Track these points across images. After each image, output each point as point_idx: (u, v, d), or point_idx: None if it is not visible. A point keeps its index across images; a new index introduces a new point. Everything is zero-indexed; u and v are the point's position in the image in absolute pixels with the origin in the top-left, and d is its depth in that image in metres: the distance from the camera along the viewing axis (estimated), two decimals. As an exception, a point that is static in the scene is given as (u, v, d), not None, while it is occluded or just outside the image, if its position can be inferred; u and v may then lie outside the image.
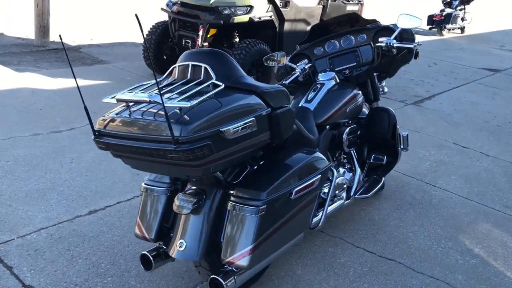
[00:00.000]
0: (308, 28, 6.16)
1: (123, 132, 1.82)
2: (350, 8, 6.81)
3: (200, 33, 5.49)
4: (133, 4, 11.31)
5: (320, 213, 2.59)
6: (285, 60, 3.08)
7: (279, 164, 2.20)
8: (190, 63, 2.02)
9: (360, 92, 3.06)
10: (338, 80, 3.06)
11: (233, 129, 1.81)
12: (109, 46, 7.87)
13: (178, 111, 1.76)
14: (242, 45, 5.37)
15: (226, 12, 5.40)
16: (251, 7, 5.49)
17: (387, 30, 3.17)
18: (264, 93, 2.00)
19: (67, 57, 1.88)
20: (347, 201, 2.99)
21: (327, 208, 2.53)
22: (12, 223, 2.83)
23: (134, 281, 2.45)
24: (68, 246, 2.67)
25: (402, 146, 3.32)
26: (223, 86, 1.90)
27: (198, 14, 5.50)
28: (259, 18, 5.53)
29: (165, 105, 1.73)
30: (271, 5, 5.65)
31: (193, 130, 1.71)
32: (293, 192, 2.12)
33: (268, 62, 3.06)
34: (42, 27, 7.05)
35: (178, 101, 1.76)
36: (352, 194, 3.00)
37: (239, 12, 5.45)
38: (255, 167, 2.20)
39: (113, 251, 2.66)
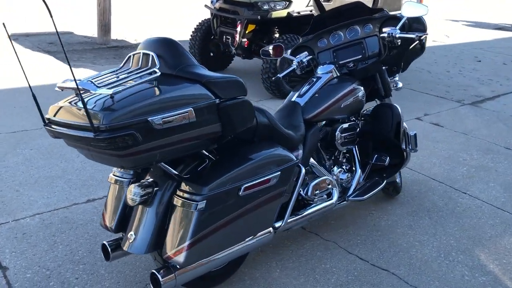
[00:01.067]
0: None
1: (64, 120, 1.83)
2: None
3: (238, 29, 5.46)
4: (193, 3, 11.57)
5: (297, 215, 2.45)
6: (284, 53, 2.94)
7: (233, 158, 2.10)
8: (142, 51, 1.98)
9: (360, 87, 2.84)
10: (338, 74, 2.86)
11: (163, 119, 1.74)
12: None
13: (110, 99, 1.73)
14: (279, 41, 5.26)
15: (265, 7, 5.32)
16: (290, 1, 5.36)
17: (395, 20, 2.91)
18: (210, 83, 1.90)
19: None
20: (343, 202, 2.79)
21: (290, 209, 2.36)
22: (13, 206, 2.99)
23: (104, 270, 2.47)
24: (55, 232, 2.76)
25: (409, 147, 3.03)
26: (158, 73, 1.84)
27: (237, 10, 5.48)
28: (298, 12, 5.38)
29: (95, 92, 1.72)
30: (312, -1, 5.48)
31: (115, 119, 1.67)
32: (242, 189, 2.00)
33: (266, 54, 2.94)
34: (104, 25, 7.44)
35: (107, 88, 1.73)
36: (348, 195, 2.80)
37: (278, 7, 5.34)
38: (210, 161, 2.11)
39: (94, 240, 2.70)
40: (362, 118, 3.01)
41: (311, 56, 2.92)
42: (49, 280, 2.37)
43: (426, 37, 2.81)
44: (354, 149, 2.93)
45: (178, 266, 1.97)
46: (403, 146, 2.97)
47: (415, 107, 5.55)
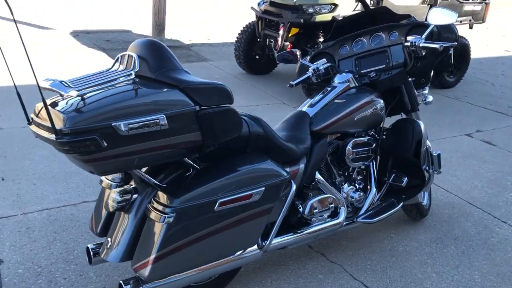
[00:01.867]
0: (409, 29, 5.56)
1: (38, 121, 1.80)
2: (469, 8, 5.98)
3: (281, 32, 5.32)
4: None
5: (287, 235, 2.29)
6: (300, 59, 2.77)
7: (214, 170, 1.97)
8: (128, 53, 1.91)
9: (379, 99, 2.60)
10: (356, 83, 2.65)
11: (129, 125, 1.65)
12: (220, 45, 8.12)
13: (78, 101, 1.67)
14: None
15: (310, 10, 5.14)
16: (336, 5, 5.13)
17: (423, 28, 2.64)
18: (189, 89, 1.78)
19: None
20: (352, 224, 2.58)
21: (276, 227, 2.18)
22: (26, 200, 3.04)
23: (93, 273, 2.43)
24: (57, 229, 2.77)
25: (433, 168, 2.75)
26: (131, 76, 1.75)
27: (281, 12, 5.34)
28: (343, 17, 5.13)
29: (65, 94, 1.67)
30: (359, 3, 5.22)
31: (77, 122, 1.59)
32: (217, 204, 1.87)
33: (282, 60, 2.78)
34: (158, 25, 7.57)
35: (78, 90, 1.67)
36: (357, 216, 2.58)
37: (323, 11, 5.14)
38: (194, 171, 1.99)
39: (92, 240, 2.68)
40: (384, 133, 2.77)
41: (329, 64, 2.72)
42: (38, 278, 2.36)
43: (452, 47, 2.53)
44: (371, 166, 2.71)
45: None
46: (425, 167, 2.70)
47: (467, 122, 5.13)
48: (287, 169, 2.26)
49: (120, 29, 8.48)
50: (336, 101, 2.55)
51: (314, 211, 2.35)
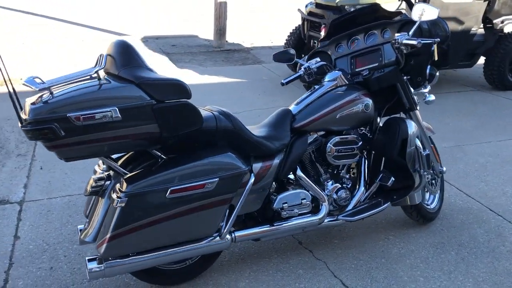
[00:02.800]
0: (461, 27, 5.30)
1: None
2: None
3: (322, 33, 5.32)
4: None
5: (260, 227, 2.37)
6: (295, 58, 2.82)
7: (173, 161, 2.11)
8: (104, 53, 2.12)
9: (365, 98, 2.57)
10: (345, 81, 2.65)
11: (82, 116, 1.84)
12: (280, 48, 8.24)
13: (44, 95, 1.90)
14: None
15: (351, 10, 5.09)
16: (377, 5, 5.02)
17: (413, 24, 2.57)
18: (145, 84, 1.94)
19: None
20: (334, 222, 2.58)
21: (232, 219, 2.24)
22: (54, 186, 3.40)
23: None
24: (73, 213, 3.07)
25: (422, 169, 2.64)
26: (93, 72, 1.95)
27: (324, 14, 5.35)
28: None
29: (36, 89, 1.90)
30: (402, 1, 5.07)
31: (39, 113, 1.82)
32: (168, 191, 2.01)
33: (278, 59, 2.85)
34: (219, 29, 7.88)
35: (46, 86, 1.90)
36: (340, 214, 2.58)
37: (365, 11, 5.05)
38: (160, 161, 2.15)
39: (99, 224, 2.94)
40: (377, 132, 2.73)
41: (322, 63, 2.74)
42: (43, 254, 2.66)
43: (435, 43, 2.45)
44: (363, 164, 2.69)
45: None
46: (416, 168, 2.62)
47: (521, 125, 4.78)
48: (260, 164, 2.35)
49: (187, 34, 8.93)
50: (320, 99, 2.57)
51: (284, 205, 2.40)
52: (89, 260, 2.07)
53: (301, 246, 2.78)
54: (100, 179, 2.17)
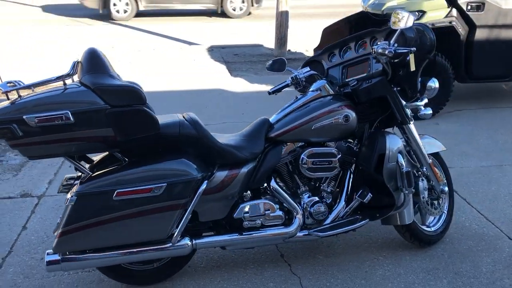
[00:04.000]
0: (523, 36, 4.83)
1: None
2: None
3: (366, 42, 5.13)
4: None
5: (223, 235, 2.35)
6: (286, 67, 2.77)
7: (129, 164, 2.17)
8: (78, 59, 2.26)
9: (346, 109, 2.44)
10: (329, 92, 2.54)
11: (37, 118, 1.98)
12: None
13: (14, 98, 2.07)
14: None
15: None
16: (423, 12, 4.75)
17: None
18: (99, 90, 2.03)
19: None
20: (308, 236, 2.48)
21: (182, 225, 2.22)
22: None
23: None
24: (80, 209, 3.27)
25: (406, 187, 2.44)
26: (53, 78, 2.09)
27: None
28: (432, 24, 4.71)
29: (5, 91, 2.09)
30: (453, 8, 4.73)
31: (0, 114, 2.00)
32: (115, 193, 2.07)
33: (270, 69, 2.82)
34: (279, 38, 7.91)
35: (18, 89, 2.07)
36: (313, 229, 2.47)
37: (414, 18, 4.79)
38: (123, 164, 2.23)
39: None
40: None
41: (311, 72, 2.66)
42: (40, 245, 2.86)
43: (411, 53, 2.27)
44: (347, 178, 2.57)
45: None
46: (398, 185, 2.44)
47: None
48: (225, 172, 2.34)
49: (253, 43, 9.06)
50: (299, 109, 2.50)
51: (245, 215, 2.36)
52: (48, 254, 2.20)
53: (282, 259, 2.71)
54: (71, 178, 2.30)
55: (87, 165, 2.27)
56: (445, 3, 4.72)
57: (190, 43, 9.11)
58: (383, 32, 2.51)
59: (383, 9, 5.02)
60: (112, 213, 2.11)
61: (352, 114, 2.47)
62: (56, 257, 2.18)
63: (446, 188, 2.76)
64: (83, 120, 2.02)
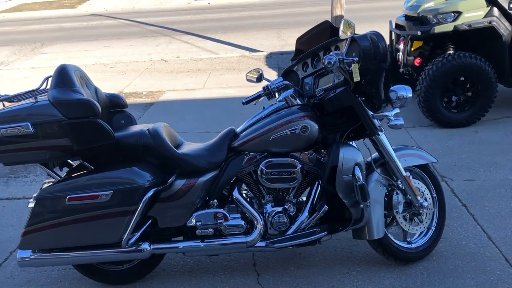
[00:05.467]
0: None
1: None
2: None
3: (401, 46, 4.91)
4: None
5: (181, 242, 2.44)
6: (262, 78, 2.78)
7: (87, 171, 2.34)
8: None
9: (305, 120, 2.39)
10: (294, 103, 2.51)
11: (2, 129, 2.21)
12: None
13: None
14: (437, 60, 4.47)
15: (434, 21, 4.61)
16: (459, 13, 4.43)
17: (354, 41, 2.31)
18: (57, 103, 2.23)
19: None
20: (262, 247, 2.47)
21: (129, 230, 2.29)
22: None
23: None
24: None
25: (359, 199, 2.32)
26: (23, 92, 2.33)
27: (405, 24, 4.94)
28: (469, 25, 4.39)
29: None
30: (493, 7, 4.36)
31: None
32: (67, 199, 2.25)
33: (249, 78, 2.84)
34: (334, 43, 7.78)
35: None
36: (270, 240, 2.46)
37: (448, 20, 4.52)
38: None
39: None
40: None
41: (284, 82, 2.65)
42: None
43: (355, 63, 2.17)
44: (314, 189, 2.52)
45: None
46: (357, 198, 2.34)
47: None
48: (183, 181, 2.42)
49: (312, 48, 9.00)
50: (263, 119, 2.51)
51: (198, 223, 2.41)
52: (20, 251, 2.42)
53: (253, 268, 2.72)
54: (48, 182, 2.53)
55: (64, 171, 2.49)
56: (484, 2, 4.38)
57: (252, 50, 9.29)
58: (344, 41, 2.44)
59: (418, 11, 4.79)
60: (66, 216, 2.28)
61: (312, 125, 2.42)
62: (27, 254, 2.40)
63: (426, 203, 2.59)
64: (43, 130, 2.23)
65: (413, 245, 2.65)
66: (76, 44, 11.05)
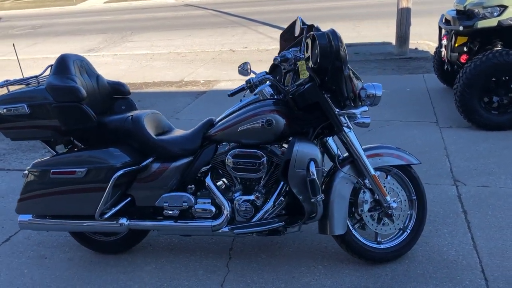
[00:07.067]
0: None
1: None
2: None
3: (444, 41, 4.66)
4: None
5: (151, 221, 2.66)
6: (249, 71, 2.86)
7: (74, 150, 2.65)
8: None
9: (270, 114, 2.45)
10: (266, 96, 2.59)
11: (5, 109, 2.58)
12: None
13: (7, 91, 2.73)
14: (476, 58, 4.19)
15: (480, 15, 4.33)
16: (504, 7, 4.11)
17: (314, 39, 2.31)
18: (49, 88, 2.53)
19: (19, 63, 3.17)
20: (228, 232, 2.60)
21: (100, 207, 2.54)
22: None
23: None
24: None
25: (314, 196, 2.32)
26: (30, 77, 2.68)
27: (450, 19, 4.68)
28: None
29: None
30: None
31: None
32: (50, 172, 2.55)
33: (239, 71, 2.95)
34: (400, 37, 7.51)
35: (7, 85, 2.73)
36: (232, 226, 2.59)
37: (494, 14, 4.22)
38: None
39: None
40: None
41: (266, 76, 2.71)
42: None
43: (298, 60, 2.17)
44: (282, 182, 2.60)
45: None
46: (312, 193, 2.37)
47: None
48: (158, 164, 2.63)
49: (381, 42, 8.73)
50: (236, 111, 2.63)
51: (164, 204, 2.60)
52: (20, 215, 2.79)
53: (228, 252, 2.87)
54: (42, 158, 2.88)
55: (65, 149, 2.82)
56: (534, -7, 4.03)
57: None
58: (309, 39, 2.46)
59: (465, 5, 4.52)
60: (51, 188, 2.60)
61: (278, 119, 2.49)
62: (26, 218, 2.77)
63: (395, 204, 2.54)
64: (37, 112, 2.55)
65: (382, 246, 2.62)
66: (161, 33, 11.78)
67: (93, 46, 11.02)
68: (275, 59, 2.35)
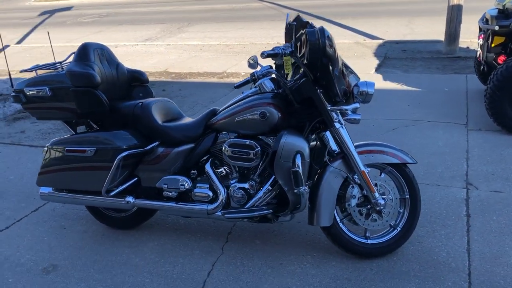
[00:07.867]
0: None
1: None
2: None
3: (480, 41, 4.51)
4: None
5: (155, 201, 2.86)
6: (257, 65, 2.97)
7: (89, 131, 2.89)
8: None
9: (265, 107, 2.54)
10: (265, 90, 2.69)
11: (30, 91, 2.87)
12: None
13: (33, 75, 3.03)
14: (509, 60, 4.04)
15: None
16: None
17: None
18: (68, 73, 2.79)
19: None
20: (220, 216, 2.73)
21: (106, 184, 2.75)
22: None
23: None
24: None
25: (296, 187, 2.39)
26: (47, 64, 2.94)
27: (489, 18, 4.52)
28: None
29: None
30: None
31: (16, 86, 2.96)
32: (66, 150, 2.80)
33: (249, 65, 3.06)
34: (449, 35, 7.27)
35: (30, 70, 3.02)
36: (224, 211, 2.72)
37: (533, 15, 4.05)
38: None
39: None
40: None
41: (269, 70, 2.81)
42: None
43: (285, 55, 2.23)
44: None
45: None
46: (297, 185, 2.46)
47: None
48: (162, 149, 2.82)
49: (431, 39, 8.47)
50: (237, 102, 2.75)
51: (164, 185, 2.78)
52: (41, 188, 3.08)
53: (227, 236, 3.02)
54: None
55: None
56: None
57: (371, 37, 9.14)
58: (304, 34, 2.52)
59: (504, 3, 4.36)
60: (65, 164, 2.86)
61: (272, 112, 2.59)
62: (47, 190, 3.06)
63: (383, 201, 2.57)
64: (57, 94, 2.82)
65: (370, 241, 2.66)
66: (216, 25, 12.06)
67: (151, 35, 11.48)
68: (262, 54, 2.45)
